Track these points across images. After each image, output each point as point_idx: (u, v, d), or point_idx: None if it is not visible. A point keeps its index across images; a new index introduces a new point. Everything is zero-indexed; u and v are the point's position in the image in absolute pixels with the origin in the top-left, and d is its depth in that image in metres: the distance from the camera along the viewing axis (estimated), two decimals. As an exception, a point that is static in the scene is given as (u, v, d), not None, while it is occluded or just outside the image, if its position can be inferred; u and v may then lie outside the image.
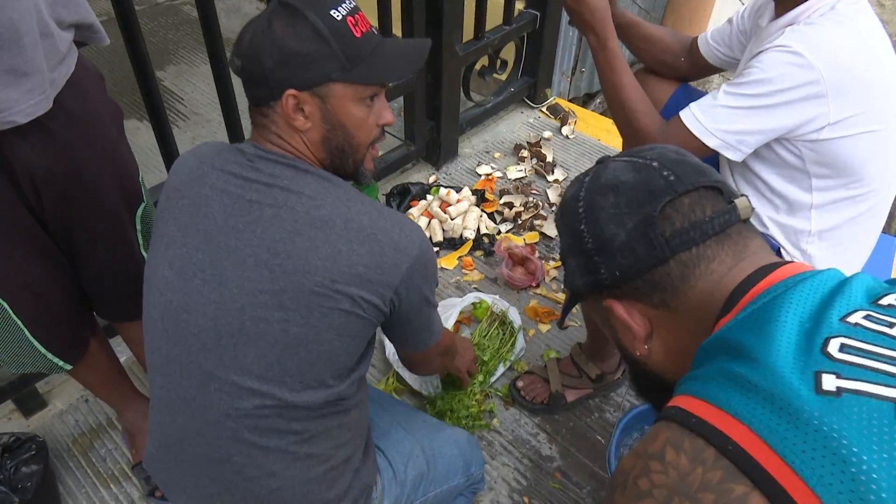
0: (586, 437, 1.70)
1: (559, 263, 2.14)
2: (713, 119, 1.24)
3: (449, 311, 1.79)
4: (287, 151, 0.97)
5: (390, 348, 1.79)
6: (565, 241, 0.82)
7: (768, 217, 1.38)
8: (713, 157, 1.30)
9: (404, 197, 2.30)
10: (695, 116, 1.26)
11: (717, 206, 0.70)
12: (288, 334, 0.90)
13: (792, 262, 0.71)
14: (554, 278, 2.11)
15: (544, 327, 1.96)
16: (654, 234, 0.69)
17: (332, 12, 0.92)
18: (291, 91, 0.92)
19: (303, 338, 0.90)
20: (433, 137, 2.42)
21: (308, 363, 0.92)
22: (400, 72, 1.02)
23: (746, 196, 0.75)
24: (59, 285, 1.23)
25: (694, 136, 1.25)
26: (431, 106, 2.34)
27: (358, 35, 0.94)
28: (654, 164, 0.74)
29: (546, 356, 1.88)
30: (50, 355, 1.27)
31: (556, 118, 2.79)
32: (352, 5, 0.95)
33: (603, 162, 0.81)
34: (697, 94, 1.72)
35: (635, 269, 0.71)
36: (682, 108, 1.73)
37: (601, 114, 3.12)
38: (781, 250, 1.41)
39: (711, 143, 1.25)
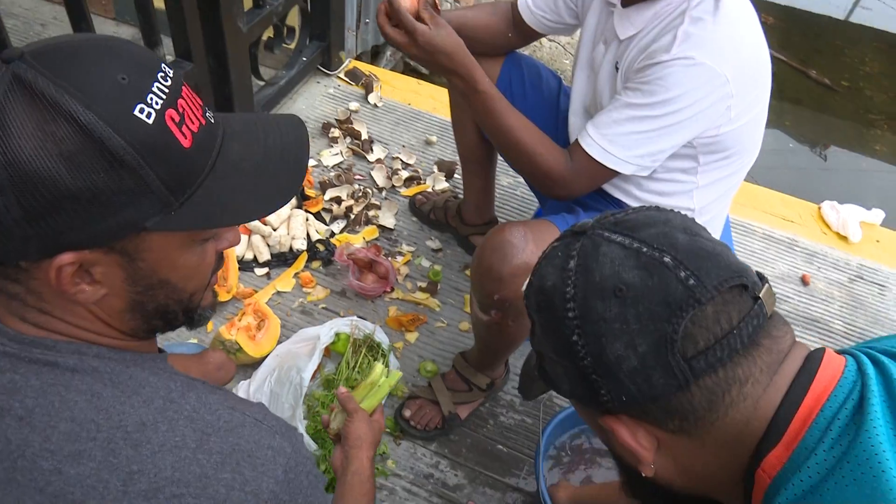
0: (489, 451, 1.58)
1: (408, 258, 1.94)
2: (625, 147, 1.14)
3: (302, 360, 1.50)
4: (58, 335, 0.63)
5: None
6: (546, 338, 0.64)
7: (653, 201, 1.33)
8: None
9: (211, 213, 1.90)
10: (603, 148, 1.15)
11: (742, 307, 0.58)
12: None
13: (821, 355, 0.60)
14: (407, 276, 1.90)
15: (412, 336, 1.77)
16: (674, 360, 0.56)
17: (136, 111, 0.56)
18: (64, 259, 0.57)
19: None
20: (227, 132, 2.01)
21: None
22: (268, 199, 0.68)
23: (766, 280, 0.62)
24: None
25: (607, 168, 1.16)
26: (221, 95, 1.93)
27: (187, 143, 0.60)
28: (667, 259, 0.58)
29: (423, 370, 1.70)
30: None
31: (358, 85, 2.50)
32: (170, 84, 0.60)
33: (588, 235, 0.63)
34: (527, 62, 1.59)
35: (648, 395, 0.58)
36: (514, 80, 1.61)
37: (402, 72, 2.88)
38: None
39: (628, 171, 1.17)
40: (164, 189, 0.59)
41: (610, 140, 1.16)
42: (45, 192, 0.53)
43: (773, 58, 1.16)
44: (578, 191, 1.25)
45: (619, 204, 1.39)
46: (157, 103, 0.58)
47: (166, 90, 0.59)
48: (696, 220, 1.33)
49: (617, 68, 1.24)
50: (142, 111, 0.56)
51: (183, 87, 0.62)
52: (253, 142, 0.70)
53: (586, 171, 1.21)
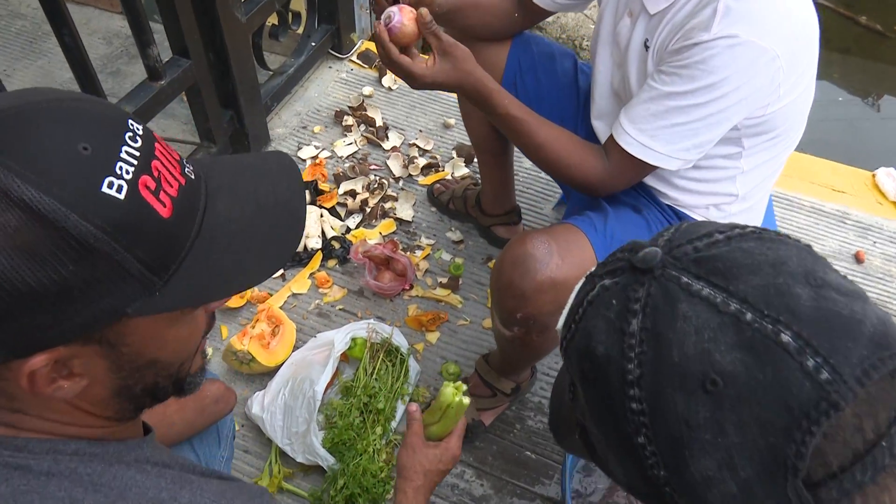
0: (516, 458, 1.50)
1: (428, 251, 1.85)
2: (668, 141, 1.03)
3: (316, 370, 1.44)
4: (31, 432, 0.55)
5: (271, 422, 1.43)
6: (598, 424, 0.49)
7: (692, 191, 1.22)
8: None
9: (221, 215, 1.83)
10: (643, 145, 1.05)
11: (893, 401, 0.40)
12: None
13: None
14: (427, 271, 1.82)
15: (433, 336, 1.68)
16: (794, 491, 0.39)
17: (105, 187, 0.47)
18: (36, 362, 0.49)
19: None
20: (236, 128, 1.94)
21: None
22: (264, 264, 0.60)
23: None
24: None
25: (650, 165, 1.07)
26: (224, 92, 1.84)
27: (166, 212, 0.51)
28: (786, 336, 0.40)
29: (445, 372, 1.62)
30: None
31: (372, 67, 2.39)
32: (142, 145, 0.51)
33: (657, 278, 0.44)
34: (537, 43, 1.46)
35: None
36: (524, 66, 1.47)
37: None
38: (690, 212, 1.25)
39: (673, 166, 1.07)
40: (145, 270, 0.50)
41: (651, 135, 1.05)
42: (3, 292, 0.45)
43: (816, 6, 1.01)
44: (619, 189, 1.18)
45: (654, 194, 1.27)
46: (128, 172, 0.49)
47: (137, 153, 0.50)
48: (738, 206, 1.25)
49: (647, 47, 1.11)
50: (111, 185, 0.47)
51: (156, 145, 0.53)
52: (241, 195, 0.61)
53: (627, 171, 1.12)
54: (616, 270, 0.48)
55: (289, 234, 0.62)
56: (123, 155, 0.49)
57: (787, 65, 0.97)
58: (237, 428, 1.51)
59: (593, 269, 0.52)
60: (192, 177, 0.56)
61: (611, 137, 1.10)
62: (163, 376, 0.60)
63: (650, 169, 1.09)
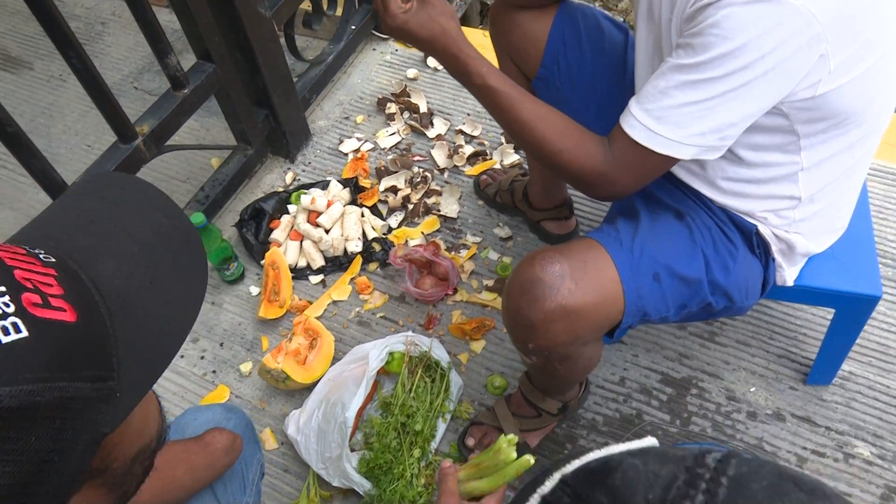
0: (565, 483, 1.38)
1: (473, 251, 1.72)
2: (677, 124, 0.85)
3: (349, 392, 1.36)
4: None
5: (305, 445, 1.38)
6: None
7: (743, 195, 1.03)
8: None
9: (260, 221, 1.79)
10: (648, 128, 0.87)
11: None
12: None
13: None
14: (472, 273, 1.70)
15: (478, 345, 1.58)
16: None
17: (1, 337, 0.38)
18: None
19: None
20: (272, 126, 1.87)
21: None
22: (189, 297, 0.53)
23: None
24: None
25: (658, 154, 0.88)
26: (255, 91, 1.77)
27: (70, 316, 0.43)
28: None
29: (490, 386, 1.51)
30: None
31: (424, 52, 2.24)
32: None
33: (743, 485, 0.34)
34: (585, 13, 1.28)
35: None
36: (569, 38, 1.29)
37: (478, 23, 2.58)
38: (760, 227, 1.06)
39: (686, 155, 0.88)
40: (99, 384, 0.43)
41: (657, 117, 0.87)
42: None
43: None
44: (625, 187, 0.97)
45: (697, 196, 1.09)
46: (7, 304, 0.40)
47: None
48: (803, 210, 1.04)
49: (672, 18, 0.94)
50: (6, 331, 0.39)
51: (1, 253, 0.44)
52: (117, 246, 0.51)
53: (631, 162, 0.92)
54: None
55: (190, 252, 0.54)
56: None
57: (832, 31, 0.77)
58: (276, 445, 1.48)
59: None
60: (54, 261, 0.46)
61: (618, 123, 0.93)
62: (147, 457, 0.54)
63: (659, 160, 0.89)
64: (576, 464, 0.40)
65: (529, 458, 0.85)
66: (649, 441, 0.42)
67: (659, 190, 1.12)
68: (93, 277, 0.47)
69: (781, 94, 0.85)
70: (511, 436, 0.88)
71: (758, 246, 1.10)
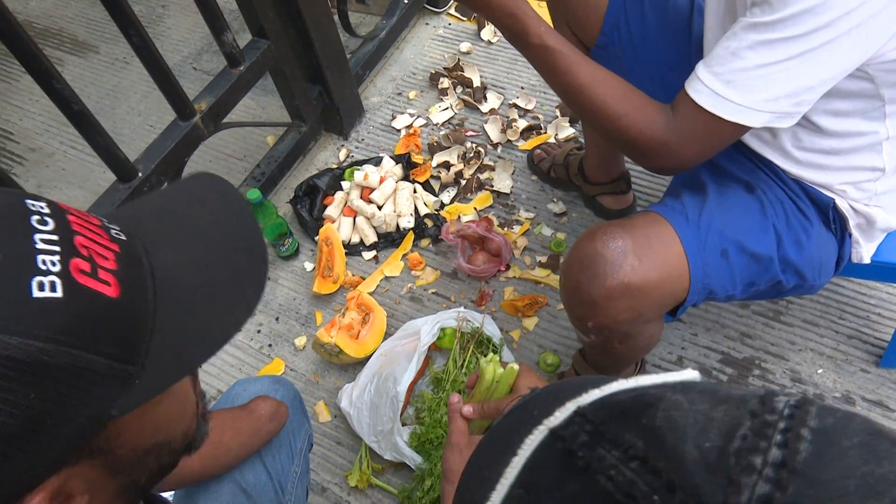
0: (620, 462, 1.35)
1: (527, 226, 1.70)
2: (749, 88, 0.79)
3: (401, 366, 1.37)
4: None
5: (358, 419, 1.40)
6: None
7: (820, 166, 0.97)
8: None
9: (314, 197, 1.80)
10: (718, 94, 0.81)
11: None
12: None
13: None
14: (525, 249, 1.67)
15: (530, 322, 1.55)
16: None
17: (35, 290, 0.39)
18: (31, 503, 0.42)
19: None
20: (326, 103, 1.88)
21: None
22: (238, 305, 0.51)
23: None
24: None
25: (727, 121, 0.82)
26: (309, 67, 1.78)
27: (114, 291, 0.43)
28: None
29: (542, 363, 1.49)
30: None
31: (471, 19, 2.21)
32: (54, 225, 0.42)
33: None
34: None
35: None
36: (630, 4, 1.24)
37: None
38: (837, 200, 1.00)
39: (757, 122, 0.81)
40: (116, 364, 0.43)
41: (726, 80, 0.80)
42: None
43: None
44: (688, 159, 0.90)
45: (769, 167, 1.03)
46: (54, 263, 0.40)
47: (55, 237, 0.41)
48: (887, 183, 0.97)
49: None
50: (42, 286, 0.39)
51: (69, 217, 0.44)
52: (185, 238, 0.52)
53: (696, 130, 0.86)
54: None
55: (253, 263, 0.54)
56: (40, 245, 0.40)
57: None
58: (329, 418, 1.50)
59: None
60: (124, 238, 0.47)
61: (683, 88, 0.87)
62: (166, 454, 0.54)
63: (728, 128, 0.83)
64: (595, 394, 0.32)
65: (514, 365, 0.85)
66: (691, 374, 0.34)
67: (727, 160, 1.06)
68: (153, 264, 0.48)
69: (866, 55, 0.78)
70: (490, 355, 0.86)
71: (834, 221, 1.03)
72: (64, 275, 0.40)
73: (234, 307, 0.51)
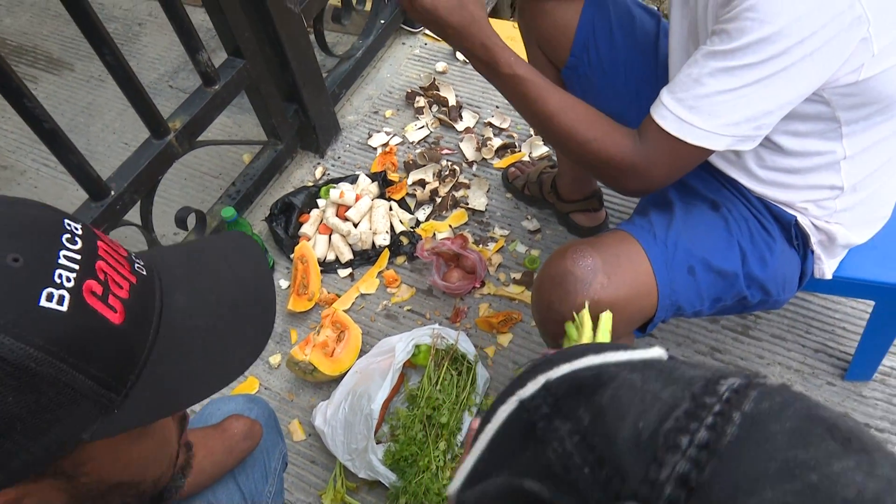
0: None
1: (501, 243, 1.71)
2: (711, 114, 0.82)
3: (375, 384, 1.37)
4: None
5: (332, 436, 1.39)
6: None
7: (782, 184, 1.00)
8: None
9: (290, 215, 1.81)
10: (680, 118, 0.84)
11: None
12: None
13: None
14: (500, 266, 1.69)
15: (505, 339, 1.57)
16: None
17: (44, 300, 0.41)
18: None
19: None
20: (302, 121, 1.89)
21: None
22: (235, 359, 0.53)
23: None
24: None
25: (690, 145, 0.85)
26: (285, 86, 1.79)
27: (118, 318, 0.45)
28: None
29: (517, 379, 1.50)
30: None
31: (450, 43, 2.23)
32: (82, 246, 0.45)
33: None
34: (615, 1, 1.25)
35: None
36: (599, 26, 1.27)
37: (508, 15, 2.56)
38: (799, 217, 1.03)
39: (720, 146, 0.85)
40: (100, 388, 0.44)
41: (689, 107, 0.84)
42: None
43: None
44: (657, 181, 0.93)
45: (734, 186, 1.06)
46: (69, 279, 0.42)
47: (78, 256, 0.44)
48: (846, 200, 1.00)
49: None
50: (50, 297, 0.41)
51: (99, 243, 0.47)
52: (200, 286, 0.54)
53: (663, 154, 0.89)
54: (571, 472, 0.29)
55: (258, 323, 0.56)
56: (62, 261, 0.43)
57: (874, 12, 0.74)
58: (304, 436, 1.49)
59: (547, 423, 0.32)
60: (144, 273, 0.50)
61: (649, 113, 0.90)
62: (132, 496, 0.54)
63: (693, 151, 0.86)
64: (564, 369, 0.34)
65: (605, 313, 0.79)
66: (657, 352, 0.35)
67: (694, 180, 1.09)
68: (164, 302, 0.50)
69: (821, 80, 0.81)
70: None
71: (796, 237, 1.06)
72: (74, 292, 0.42)
73: (228, 361, 0.52)
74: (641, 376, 0.31)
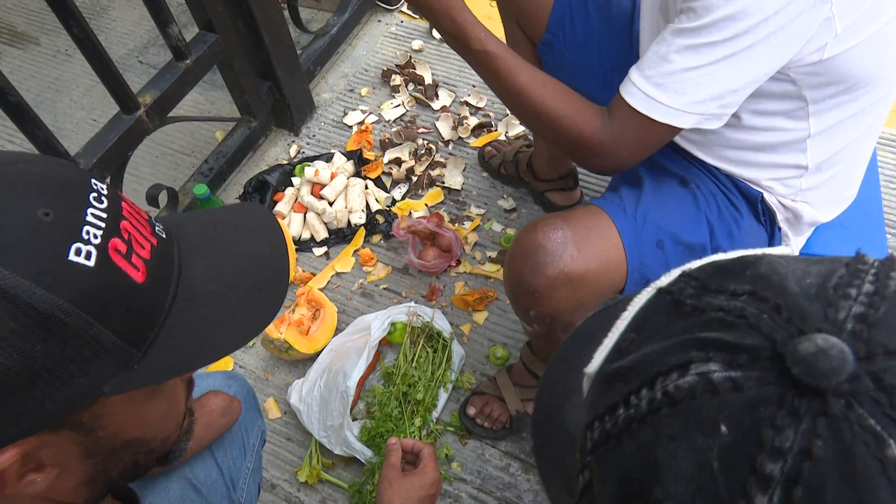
0: (566, 452, 1.38)
1: (477, 222, 1.72)
2: (678, 91, 0.83)
3: (351, 361, 1.37)
4: None
5: (307, 414, 1.40)
6: None
7: (748, 163, 1.01)
8: None
9: (263, 193, 1.79)
10: (647, 95, 0.84)
11: None
12: None
13: None
14: (476, 245, 1.69)
15: (480, 316, 1.58)
16: None
17: (72, 254, 0.42)
18: (4, 460, 0.43)
19: None
20: (276, 99, 1.86)
21: None
22: (248, 324, 0.55)
23: None
24: None
25: (658, 122, 0.85)
26: (259, 62, 1.76)
27: (140, 277, 0.46)
28: None
29: (492, 356, 1.51)
30: None
31: (422, 18, 2.22)
32: (108, 205, 0.46)
33: (836, 416, 0.26)
34: None
35: None
36: (575, 4, 1.27)
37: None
38: (765, 195, 1.04)
39: (686, 123, 0.85)
40: (122, 343, 0.46)
41: (656, 84, 0.84)
42: None
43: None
44: (626, 159, 0.94)
45: (702, 163, 1.07)
46: (96, 236, 0.44)
47: (104, 214, 0.45)
48: (811, 180, 1.02)
49: None
50: (79, 252, 0.42)
51: (123, 204, 0.48)
52: (218, 254, 0.56)
53: (631, 131, 0.90)
54: (741, 350, 0.29)
55: (271, 294, 0.58)
56: (89, 218, 0.44)
57: None
58: (279, 414, 1.50)
59: (684, 287, 0.36)
60: (164, 236, 0.52)
61: (618, 91, 0.90)
62: (143, 454, 0.55)
63: (660, 129, 0.87)
64: (703, 261, 0.38)
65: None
66: (785, 249, 0.38)
67: (663, 157, 1.10)
68: (182, 266, 0.52)
69: (784, 59, 0.82)
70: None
71: (763, 214, 1.08)
72: (101, 248, 0.44)
73: (241, 325, 0.55)
74: (783, 258, 0.34)
